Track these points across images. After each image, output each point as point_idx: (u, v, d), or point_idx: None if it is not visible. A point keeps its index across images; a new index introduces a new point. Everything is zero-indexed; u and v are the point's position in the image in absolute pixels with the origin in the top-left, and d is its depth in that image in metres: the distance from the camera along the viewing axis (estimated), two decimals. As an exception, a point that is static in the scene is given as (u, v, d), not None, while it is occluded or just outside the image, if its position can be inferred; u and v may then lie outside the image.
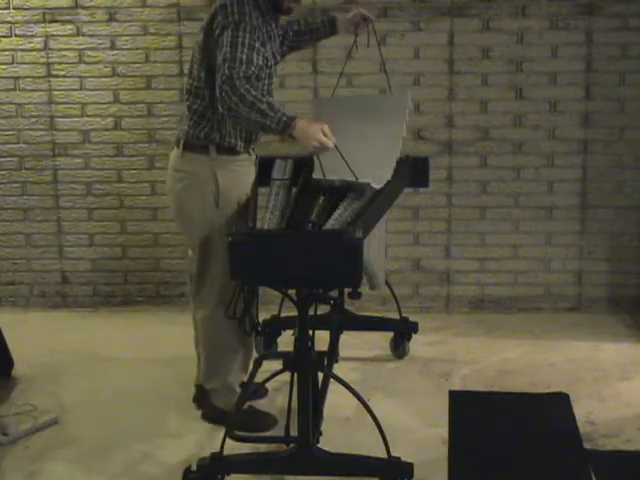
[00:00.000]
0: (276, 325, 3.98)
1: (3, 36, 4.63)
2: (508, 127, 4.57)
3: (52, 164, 4.74)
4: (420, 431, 3.32)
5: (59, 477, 3.04)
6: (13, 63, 4.65)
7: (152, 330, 4.48)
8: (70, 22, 4.60)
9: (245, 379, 3.34)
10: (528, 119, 4.55)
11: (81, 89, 4.67)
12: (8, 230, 4.83)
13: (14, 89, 4.68)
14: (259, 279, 2.85)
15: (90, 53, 4.63)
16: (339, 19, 3.51)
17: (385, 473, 2.81)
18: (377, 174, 3.09)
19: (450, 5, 4.48)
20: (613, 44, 4.46)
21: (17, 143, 4.73)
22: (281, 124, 2.85)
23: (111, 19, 4.60)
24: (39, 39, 4.62)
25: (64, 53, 4.63)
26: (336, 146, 2.89)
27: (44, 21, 4.60)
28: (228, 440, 2.87)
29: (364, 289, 2.87)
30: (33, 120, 4.70)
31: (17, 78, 4.67)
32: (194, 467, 2.86)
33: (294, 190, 3.14)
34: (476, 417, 3.43)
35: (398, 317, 4.07)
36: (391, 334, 4.08)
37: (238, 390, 3.34)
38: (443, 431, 3.28)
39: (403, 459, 2.82)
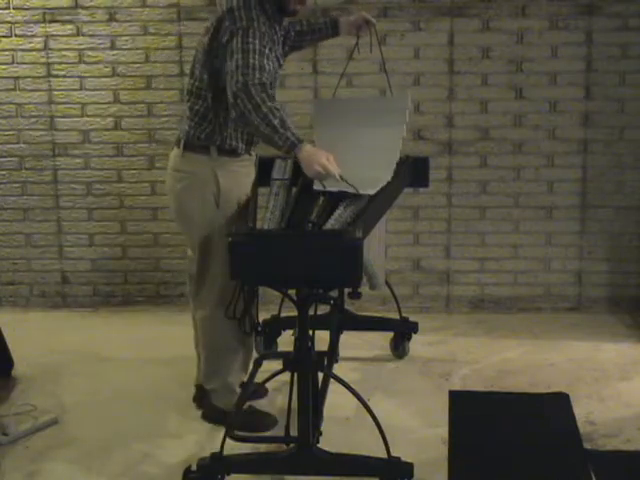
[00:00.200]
0: (276, 325, 3.98)
1: (3, 36, 4.63)
2: (508, 127, 4.57)
3: (52, 164, 4.74)
4: (420, 431, 3.32)
5: (59, 477, 3.04)
6: (13, 63, 4.65)
7: (152, 330, 4.48)
8: (70, 22, 4.61)
9: (245, 379, 3.34)
10: (528, 119, 4.55)
11: (81, 89, 4.67)
12: (8, 230, 4.83)
13: (14, 89, 4.68)
14: (259, 279, 2.85)
15: (90, 53, 4.63)
16: (341, 21, 3.52)
17: (385, 473, 2.81)
18: (377, 175, 3.09)
19: (450, 5, 4.48)
20: (613, 44, 4.46)
21: (17, 143, 4.73)
22: (288, 143, 2.83)
23: (111, 19, 4.60)
24: (39, 39, 4.63)
25: (64, 53, 4.63)
26: (341, 176, 2.86)
27: (44, 21, 4.60)
28: (228, 440, 2.87)
29: (364, 289, 2.86)
30: (33, 120, 4.71)
31: (17, 78, 4.67)
32: (194, 467, 2.86)
33: (294, 190, 3.14)
34: (476, 417, 3.43)
35: (398, 317, 4.07)
36: (391, 334, 4.08)
37: (238, 390, 3.34)
38: (443, 431, 3.28)
39: (403, 459, 2.82)
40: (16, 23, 4.62)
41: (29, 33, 4.62)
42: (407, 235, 4.70)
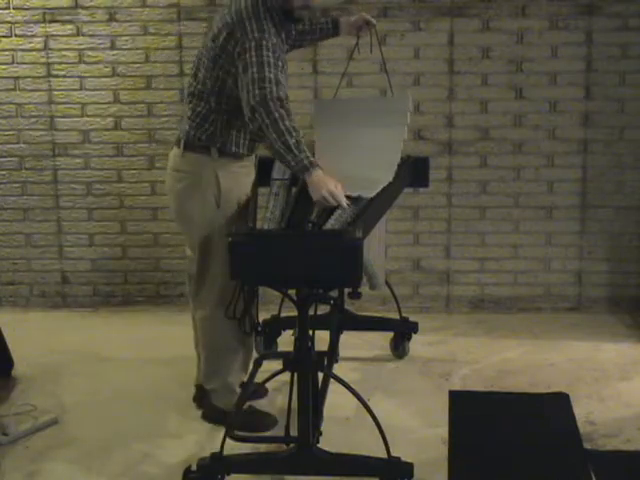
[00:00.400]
0: (276, 325, 3.98)
1: (3, 36, 4.63)
2: (508, 127, 4.57)
3: (52, 164, 4.74)
4: (420, 431, 3.32)
5: (59, 477, 3.04)
6: (13, 63, 4.65)
7: (152, 330, 4.48)
8: (70, 22, 4.60)
9: (245, 379, 3.34)
10: (528, 119, 4.55)
11: (81, 89, 4.67)
12: (8, 230, 4.83)
13: (14, 89, 4.68)
14: (259, 279, 2.85)
15: (90, 53, 4.63)
16: (342, 21, 3.52)
17: (385, 473, 2.81)
18: (378, 176, 3.09)
19: (450, 5, 4.48)
20: (613, 44, 4.46)
21: (17, 143, 4.73)
22: (300, 165, 2.82)
23: (111, 19, 4.60)
24: (39, 39, 4.63)
25: (64, 53, 4.63)
26: (348, 204, 2.84)
27: (44, 21, 4.60)
28: (228, 440, 2.87)
29: (364, 289, 2.86)
30: (33, 120, 4.71)
31: (17, 78, 4.67)
32: (194, 467, 2.86)
33: (294, 190, 3.14)
34: (476, 417, 3.43)
35: (398, 317, 4.07)
36: (391, 334, 4.08)
37: (238, 390, 3.33)
38: (443, 431, 3.28)
39: (403, 459, 2.82)
40: (16, 23, 4.62)
41: (29, 33, 4.62)
42: (407, 235, 4.70)
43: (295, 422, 2.85)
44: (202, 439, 3.26)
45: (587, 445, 3.17)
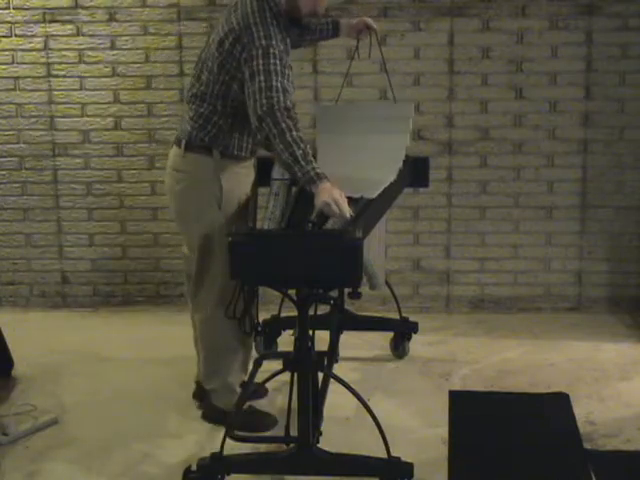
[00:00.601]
0: (276, 325, 3.98)
1: (3, 36, 4.63)
2: (508, 127, 4.57)
3: (52, 164, 4.74)
4: (420, 431, 3.32)
5: (59, 477, 3.04)
6: (13, 63, 4.65)
7: (152, 330, 4.48)
8: (70, 22, 4.60)
9: (245, 379, 3.34)
10: (528, 119, 4.55)
11: (81, 89, 4.67)
12: (8, 230, 4.83)
13: (14, 89, 4.68)
14: (259, 279, 2.85)
15: (90, 53, 4.63)
16: (342, 23, 3.53)
17: (385, 473, 2.81)
18: (379, 177, 3.10)
19: (450, 5, 4.48)
20: (613, 44, 4.46)
21: (17, 143, 4.73)
22: (307, 177, 2.77)
23: (111, 19, 4.60)
24: (39, 39, 4.62)
25: (64, 53, 4.63)
26: (351, 215, 2.78)
27: (44, 21, 4.60)
28: (228, 440, 2.87)
29: (364, 289, 2.86)
30: (33, 120, 4.70)
31: (17, 78, 4.67)
32: (194, 467, 2.86)
33: (294, 190, 3.14)
34: (476, 417, 3.43)
35: (398, 317, 4.07)
36: (391, 334, 4.08)
37: (238, 390, 3.33)
38: (443, 431, 3.28)
39: (403, 459, 2.82)
40: (16, 23, 4.62)
41: (29, 33, 4.62)
42: (407, 235, 4.70)
43: (295, 422, 2.85)
44: (202, 439, 3.26)
45: (587, 445, 3.17)
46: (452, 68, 4.54)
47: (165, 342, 4.22)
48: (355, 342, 4.15)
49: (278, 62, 2.91)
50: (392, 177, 3.15)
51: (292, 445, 2.89)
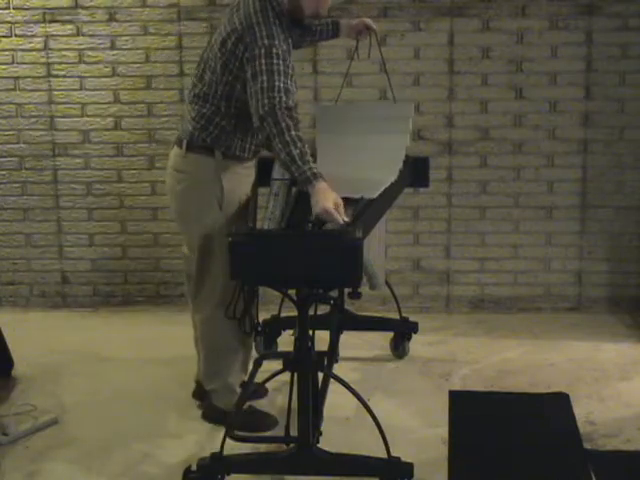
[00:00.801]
0: (276, 325, 3.98)
1: (3, 36, 4.63)
2: (508, 127, 4.57)
3: (52, 164, 4.74)
4: (420, 431, 3.32)
5: (59, 477, 3.04)
6: (13, 63, 4.65)
7: (152, 330, 4.48)
8: (70, 22, 4.61)
9: (245, 379, 3.34)
10: (528, 119, 4.55)
11: (81, 89, 4.67)
12: (8, 230, 4.83)
13: (14, 89, 4.68)
14: (259, 279, 2.85)
15: (90, 53, 4.63)
16: (342, 24, 3.53)
17: (385, 473, 2.81)
18: (379, 177, 3.10)
19: (450, 5, 4.48)
20: (613, 44, 4.46)
21: (17, 143, 4.73)
22: (303, 177, 2.78)
23: (111, 19, 4.60)
24: (39, 39, 4.62)
25: (64, 53, 4.63)
26: (345, 221, 2.75)
27: (44, 21, 4.60)
28: (228, 440, 2.87)
29: (364, 289, 2.86)
30: (33, 120, 4.71)
31: (17, 78, 4.67)
32: (194, 467, 2.86)
33: (294, 190, 3.14)
34: (476, 417, 3.43)
35: (398, 317, 4.07)
36: (391, 334, 4.08)
37: (238, 390, 3.33)
38: (443, 431, 3.28)
39: (403, 459, 2.82)
40: (16, 23, 4.62)
41: (29, 33, 4.62)
42: (407, 235, 4.70)
43: (295, 422, 2.85)
44: (202, 439, 3.26)
45: (587, 445, 3.17)
46: (452, 68, 4.54)
47: (165, 342, 4.22)
48: (355, 342, 4.15)
49: (281, 62, 2.91)
50: (392, 177, 3.15)
51: (292, 445, 2.89)
